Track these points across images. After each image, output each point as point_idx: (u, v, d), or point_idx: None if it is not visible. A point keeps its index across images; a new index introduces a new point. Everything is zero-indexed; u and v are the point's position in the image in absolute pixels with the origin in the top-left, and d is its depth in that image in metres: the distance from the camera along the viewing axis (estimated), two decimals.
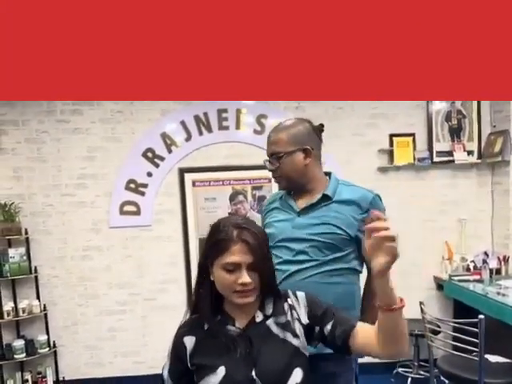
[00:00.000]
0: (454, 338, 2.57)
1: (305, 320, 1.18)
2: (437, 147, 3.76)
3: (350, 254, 1.60)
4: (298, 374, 1.12)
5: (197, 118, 3.70)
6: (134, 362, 3.71)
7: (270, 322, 1.16)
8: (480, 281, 3.36)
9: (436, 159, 3.74)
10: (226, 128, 3.72)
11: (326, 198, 1.62)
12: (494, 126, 3.71)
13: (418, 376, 3.49)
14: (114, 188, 3.64)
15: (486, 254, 3.51)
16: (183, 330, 1.20)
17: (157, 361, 3.68)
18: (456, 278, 3.47)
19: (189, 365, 1.15)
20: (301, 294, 1.23)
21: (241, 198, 3.69)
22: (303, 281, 1.55)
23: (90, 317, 3.66)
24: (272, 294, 1.20)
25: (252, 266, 1.09)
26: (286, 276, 1.58)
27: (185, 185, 3.68)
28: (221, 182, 3.69)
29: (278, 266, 1.47)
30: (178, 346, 1.18)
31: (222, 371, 1.09)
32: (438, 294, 3.76)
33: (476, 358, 2.39)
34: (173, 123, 3.68)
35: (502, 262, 3.51)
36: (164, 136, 3.68)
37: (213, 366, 1.11)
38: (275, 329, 1.15)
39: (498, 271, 3.47)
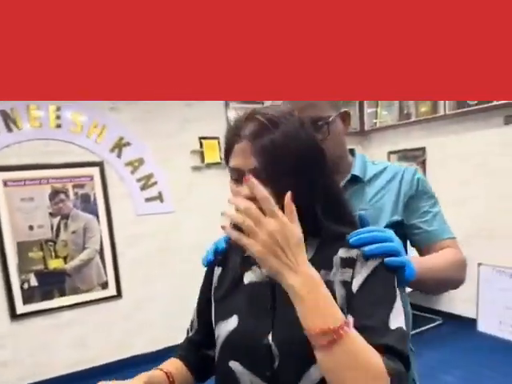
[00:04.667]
0: None
1: (355, 288, 0.80)
2: None
3: None
4: None
5: (4, 114, 3.47)
6: None
7: None
8: None
9: None
10: (39, 126, 3.59)
11: None
12: None
13: None
14: None
15: None
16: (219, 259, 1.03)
17: None
18: None
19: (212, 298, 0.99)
20: (372, 263, 0.81)
21: (62, 196, 3.62)
22: None
23: None
24: (316, 232, 0.85)
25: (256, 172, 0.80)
26: None
27: None
28: (38, 181, 3.56)
29: None
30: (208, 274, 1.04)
31: (234, 321, 0.87)
32: None
33: None
34: None
35: None
36: None
37: (226, 312, 0.90)
38: None
39: None
